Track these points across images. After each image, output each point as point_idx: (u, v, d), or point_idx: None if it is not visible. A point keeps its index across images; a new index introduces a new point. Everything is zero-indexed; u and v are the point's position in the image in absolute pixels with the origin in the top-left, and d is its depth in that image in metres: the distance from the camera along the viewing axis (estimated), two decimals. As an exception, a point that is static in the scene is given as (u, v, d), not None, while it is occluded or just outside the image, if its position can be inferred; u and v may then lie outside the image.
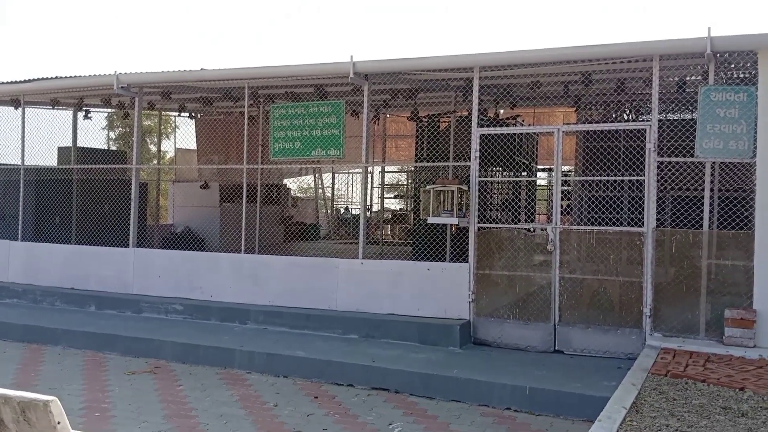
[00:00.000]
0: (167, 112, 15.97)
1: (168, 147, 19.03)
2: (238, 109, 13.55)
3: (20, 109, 12.05)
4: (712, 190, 8.32)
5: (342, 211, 21.33)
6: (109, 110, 13.83)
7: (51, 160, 13.30)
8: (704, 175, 7.71)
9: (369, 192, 18.25)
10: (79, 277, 11.01)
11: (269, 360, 7.87)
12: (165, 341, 8.51)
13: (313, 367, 7.66)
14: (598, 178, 8.76)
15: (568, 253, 8.30)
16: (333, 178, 20.39)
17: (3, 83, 11.76)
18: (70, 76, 11.02)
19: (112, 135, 24.84)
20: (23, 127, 11.92)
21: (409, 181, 18.33)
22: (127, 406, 6.53)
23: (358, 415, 6.40)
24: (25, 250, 11.68)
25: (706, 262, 7.60)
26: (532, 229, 8.93)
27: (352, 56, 8.91)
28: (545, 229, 8.45)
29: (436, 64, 8.92)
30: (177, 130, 16.18)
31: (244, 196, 10.31)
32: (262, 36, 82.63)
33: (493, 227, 8.84)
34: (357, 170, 19.45)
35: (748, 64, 8.07)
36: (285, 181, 18.88)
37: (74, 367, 8.00)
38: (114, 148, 24.09)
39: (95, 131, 15.20)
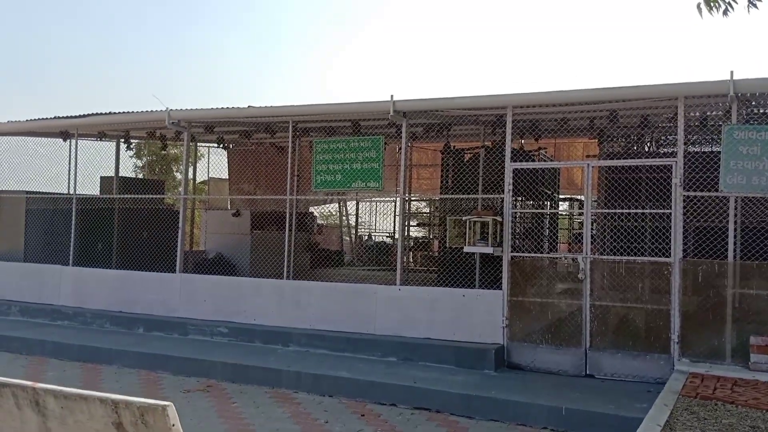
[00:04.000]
0: (199, 143, 16.61)
1: (197, 175, 19.68)
2: (270, 140, 14.17)
3: (69, 141, 12.75)
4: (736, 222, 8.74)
5: (365, 238, 21.83)
6: (153, 141, 14.46)
7: (93, 189, 13.96)
8: (728, 208, 8.15)
9: (403, 221, 18.78)
10: (126, 300, 11.53)
11: (315, 380, 8.34)
12: (215, 362, 9.01)
13: (357, 387, 8.12)
14: (626, 210, 9.17)
15: (598, 282, 8.73)
16: (357, 206, 20.93)
17: (60, 117, 12.46)
18: (124, 112, 11.71)
19: (139, 163, 25.76)
20: (76, 159, 12.60)
21: (432, 210, 18.81)
22: (189, 421, 6.99)
23: (405, 432, 6.85)
24: (75, 275, 12.23)
25: (732, 291, 8.01)
26: (562, 258, 9.35)
27: (392, 96, 9.52)
28: (576, 259, 8.91)
29: (472, 103, 9.49)
30: (209, 159, 16.79)
31: (288, 225, 10.85)
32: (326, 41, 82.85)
33: (526, 256, 9.30)
34: (380, 199, 20.05)
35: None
36: (311, 209, 19.46)
37: (132, 386, 8.51)
38: (140, 176, 24.95)
39: (123, 159, 15.84)
